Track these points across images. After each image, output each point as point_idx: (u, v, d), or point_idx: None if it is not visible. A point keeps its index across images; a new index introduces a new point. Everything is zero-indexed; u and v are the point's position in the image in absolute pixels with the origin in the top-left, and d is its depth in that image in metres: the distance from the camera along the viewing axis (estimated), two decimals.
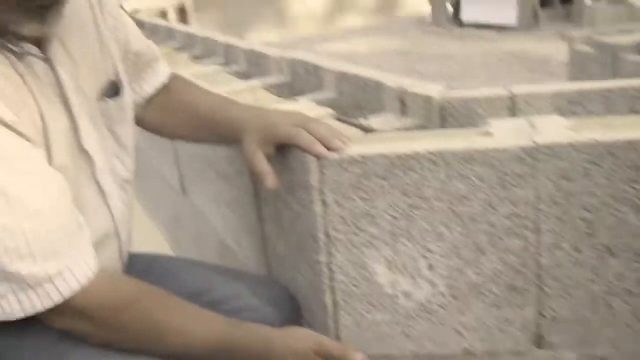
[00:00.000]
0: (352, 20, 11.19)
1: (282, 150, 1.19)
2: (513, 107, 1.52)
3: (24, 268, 0.91)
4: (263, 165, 1.16)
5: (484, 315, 1.16)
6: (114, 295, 1.00)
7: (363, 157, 1.11)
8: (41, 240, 0.91)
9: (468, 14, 9.69)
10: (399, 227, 1.13)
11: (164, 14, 7.21)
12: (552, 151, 1.07)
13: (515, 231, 1.12)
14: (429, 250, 1.14)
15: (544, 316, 1.16)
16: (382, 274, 1.16)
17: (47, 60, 1.01)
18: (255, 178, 1.34)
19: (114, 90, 1.15)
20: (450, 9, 9.94)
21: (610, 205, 1.09)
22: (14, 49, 0.95)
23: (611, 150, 1.07)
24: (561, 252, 1.13)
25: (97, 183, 1.08)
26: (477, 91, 1.55)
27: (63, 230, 0.96)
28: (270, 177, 1.16)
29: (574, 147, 1.07)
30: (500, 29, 8.96)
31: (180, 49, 3.67)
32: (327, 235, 1.16)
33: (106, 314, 0.98)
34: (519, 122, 1.13)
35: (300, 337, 1.10)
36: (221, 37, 3.22)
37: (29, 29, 0.95)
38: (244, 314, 1.19)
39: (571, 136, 1.03)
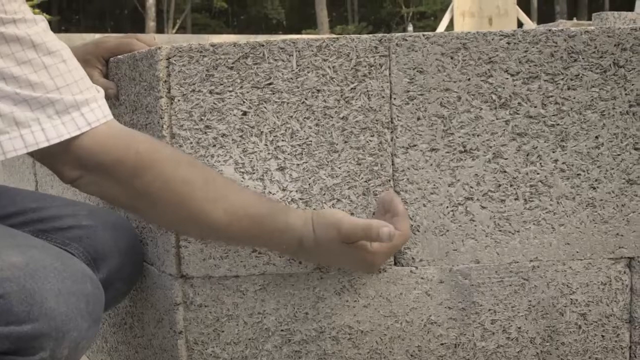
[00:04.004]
0: None
1: (125, 66, 1.23)
2: None
3: (51, 96, 0.92)
4: (101, 81, 1.24)
5: None
6: (131, 151, 0.97)
7: (213, 46, 1.11)
8: (64, 74, 0.93)
9: None
10: (248, 123, 1.11)
11: None
12: (406, 41, 1.11)
13: (369, 127, 1.12)
14: (281, 150, 1.12)
15: None
16: (230, 177, 1.12)
17: None
18: None
19: None
20: None
21: (465, 100, 1.12)
22: None
23: (464, 42, 1.11)
24: (417, 152, 1.13)
25: None
26: None
27: (82, 72, 0.97)
28: (109, 87, 1.24)
29: (427, 38, 1.11)
30: None
31: None
32: (172, 135, 1.12)
33: (124, 170, 0.97)
34: None
35: (323, 227, 1.04)
36: None
37: None
38: (76, 232, 1.16)
39: None
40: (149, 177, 0.98)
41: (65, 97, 0.93)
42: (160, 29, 27.68)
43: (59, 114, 0.92)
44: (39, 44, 0.92)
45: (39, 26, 0.94)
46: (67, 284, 0.92)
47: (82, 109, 0.94)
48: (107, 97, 1.24)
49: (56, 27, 31.57)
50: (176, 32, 28.29)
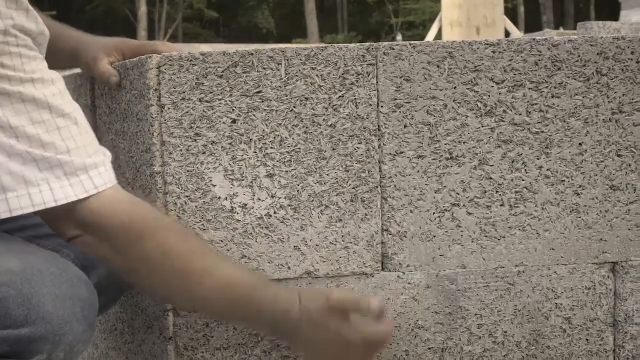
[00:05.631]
0: None
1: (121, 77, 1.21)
2: None
3: (61, 158, 0.93)
4: (107, 67, 1.22)
5: (327, 231, 1.15)
6: (135, 219, 0.99)
7: (203, 54, 1.12)
8: (75, 136, 0.95)
9: None
10: (238, 131, 1.12)
11: None
12: (393, 50, 1.13)
13: (357, 134, 1.13)
14: (270, 157, 1.13)
15: (389, 232, 1.16)
16: (220, 185, 1.13)
17: None
18: (99, 80, 1.28)
19: None
20: None
21: (452, 108, 1.14)
22: None
23: (450, 51, 1.13)
24: (404, 159, 1.14)
25: None
26: None
27: (92, 136, 0.99)
28: (113, 75, 1.22)
29: (414, 47, 1.13)
30: None
31: None
32: (162, 143, 1.12)
33: (125, 239, 0.98)
34: None
35: (311, 297, 1.05)
36: None
37: None
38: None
39: None
40: (151, 245, 1.00)
41: (75, 159, 0.94)
42: (152, 39, 27.65)
43: (67, 176, 0.93)
44: (54, 106, 0.94)
45: (55, 87, 0.96)
46: (63, 289, 0.93)
47: (90, 172, 0.95)
48: (110, 85, 1.24)
49: None
50: (167, 42, 28.23)
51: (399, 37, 18.42)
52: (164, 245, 1.01)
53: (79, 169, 0.94)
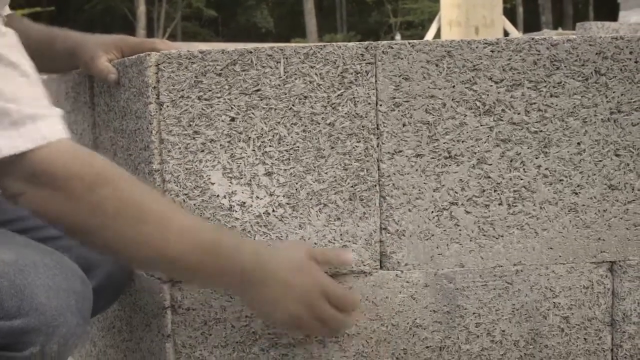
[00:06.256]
0: None
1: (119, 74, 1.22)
2: None
3: (8, 106, 0.88)
4: (105, 64, 1.22)
5: (325, 229, 1.15)
6: (88, 167, 0.94)
7: (202, 52, 1.12)
8: (24, 87, 0.91)
9: None
10: (236, 129, 1.12)
11: None
12: (392, 49, 1.13)
13: (355, 133, 1.13)
14: (268, 155, 1.13)
15: (388, 231, 1.16)
16: (218, 183, 1.13)
17: None
18: (97, 78, 1.28)
19: None
20: None
21: (450, 107, 1.14)
22: None
23: (448, 50, 1.13)
24: (402, 157, 1.14)
25: None
26: None
27: (43, 91, 0.95)
28: (111, 72, 1.21)
29: (412, 46, 1.14)
30: None
31: None
32: (161, 140, 1.12)
33: (80, 186, 0.91)
34: None
35: (293, 245, 1.08)
36: None
37: None
38: (66, 241, 1.09)
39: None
40: (106, 192, 0.94)
41: (23, 108, 0.89)
42: (150, 37, 27.65)
43: (15, 125, 0.88)
44: (1, 54, 0.90)
45: (6, 39, 0.92)
46: (57, 280, 0.93)
47: (39, 122, 0.90)
48: (108, 83, 1.24)
49: None
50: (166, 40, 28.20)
51: (398, 37, 18.46)
52: (119, 192, 0.96)
53: (27, 118, 0.89)
